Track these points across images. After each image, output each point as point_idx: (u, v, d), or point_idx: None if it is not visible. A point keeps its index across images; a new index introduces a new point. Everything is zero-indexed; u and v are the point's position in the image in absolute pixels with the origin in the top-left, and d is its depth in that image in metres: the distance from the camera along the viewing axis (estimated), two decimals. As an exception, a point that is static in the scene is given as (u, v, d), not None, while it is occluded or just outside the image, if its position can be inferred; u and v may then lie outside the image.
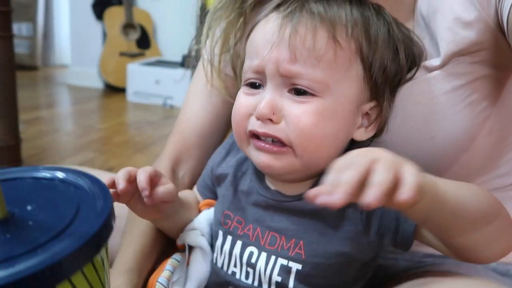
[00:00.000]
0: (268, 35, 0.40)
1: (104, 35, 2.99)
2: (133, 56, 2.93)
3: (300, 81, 0.39)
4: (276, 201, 0.44)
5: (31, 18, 3.60)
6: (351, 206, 0.39)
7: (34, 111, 2.38)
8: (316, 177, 0.43)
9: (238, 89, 0.46)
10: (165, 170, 0.58)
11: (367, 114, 0.43)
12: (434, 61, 0.46)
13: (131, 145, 1.96)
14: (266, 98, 0.40)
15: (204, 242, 0.48)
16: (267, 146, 0.40)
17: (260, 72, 0.41)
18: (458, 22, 0.44)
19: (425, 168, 0.47)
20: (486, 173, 0.52)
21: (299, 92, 0.39)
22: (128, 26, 2.93)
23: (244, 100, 0.42)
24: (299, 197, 0.43)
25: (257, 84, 0.42)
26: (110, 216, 0.27)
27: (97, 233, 0.25)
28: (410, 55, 0.44)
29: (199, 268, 0.47)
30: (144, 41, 2.98)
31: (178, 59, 2.91)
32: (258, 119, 0.40)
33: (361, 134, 0.43)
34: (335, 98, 0.40)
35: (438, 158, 0.47)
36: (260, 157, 0.41)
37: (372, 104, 0.43)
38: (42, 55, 3.73)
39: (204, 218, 0.50)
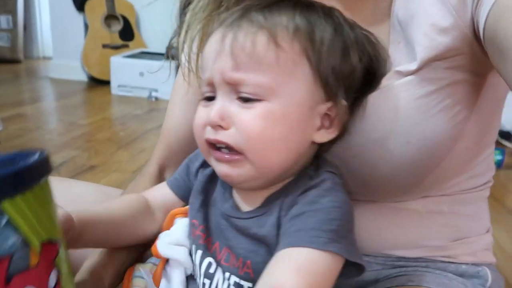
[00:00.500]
0: (213, 47, 0.41)
1: (86, 27, 2.94)
2: (116, 48, 2.89)
3: (244, 88, 0.39)
4: (229, 216, 0.44)
5: (11, 10, 3.52)
6: None
7: (16, 108, 2.34)
8: (279, 182, 0.43)
9: None
10: (152, 175, 0.61)
11: (327, 115, 0.43)
12: (410, 66, 0.46)
13: (115, 141, 1.94)
14: (216, 106, 0.40)
15: (187, 260, 0.47)
16: (223, 155, 0.41)
17: (211, 84, 0.42)
18: (434, 28, 0.44)
19: (405, 173, 0.48)
20: (460, 174, 0.52)
21: (245, 99, 0.40)
22: (110, 17, 2.88)
23: (201, 112, 0.43)
24: (250, 214, 0.43)
25: (211, 96, 0.42)
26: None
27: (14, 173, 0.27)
28: (365, 55, 0.44)
29: (178, 279, 0.47)
30: (128, 33, 2.94)
31: (163, 50, 2.87)
32: (211, 127, 0.41)
33: (322, 136, 0.43)
34: (282, 101, 0.40)
35: (416, 163, 0.47)
36: (219, 167, 0.42)
37: (328, 104, 0.42)
38: (23, 48, 3.67)
39: (182, 229, 0.49)
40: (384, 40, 0.46)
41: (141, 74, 2.72)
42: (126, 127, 2.16)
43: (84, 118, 2.31)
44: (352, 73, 0.43)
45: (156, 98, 2.68)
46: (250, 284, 0.41)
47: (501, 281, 0.57)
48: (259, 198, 0.44)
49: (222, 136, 0.40)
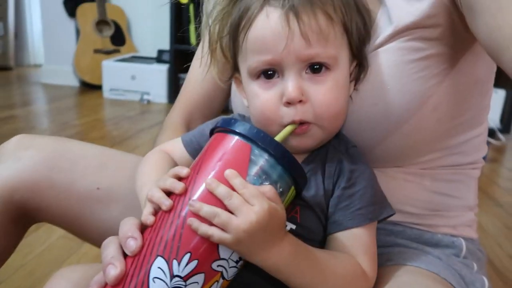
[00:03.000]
0: (277, 31, 0.42)
1: (78, 32, 2.96)
2: (108, 53, 2.92)
3: (318, 59, 0.43)
4: None
5: (2, 17, 3.53)
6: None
7: (8, 110, 2.35)
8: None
9: (228, 73, 0.51)
10: (179, 125, 0.64)
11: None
12: (388, 30, 0.48)
13: (108, 139, 1.96)
14: (293, 82, 0.42)
15: None
16: (299, 130, 0.44)
17: (274, 64, 0.43)
18: None
19: (371, 131, 0.50)
20: (438, 150, 0.53)
21: (315, 69, 0.43)
22: (102, 22, 2.91)
23: (266, 94, 0.44)
24: None
25: (270, 73, 0.44)
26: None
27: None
28: (370, 17, 0.48)
29: None
30: (119, 38, 2.97)
31: (154, 54, 2.91)
32: (289, 103, 0.42)
33: (350, 90, 0.49)
34: (341, 69, 0.45)
35: (382, 124, 0.50)
36: (293, 141, 0.44)
37: (354, 63, 0.48)
38: (14, 55, 3.67)
39: None
40: (374, 7, 0.49)
41: (133, 77, 2.75)
42: (119, 127, 2.18)
43: (77, 119, 2.33)
44: (367, 33, 0.48)
45: (148, 101, 2.71)
46: (293, 226, 0.44)
47: (480, 253, 0.57)
48: (298, 159, 0.46)
49: (304, 114, 0.43)
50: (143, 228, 0.39)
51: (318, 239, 0.45)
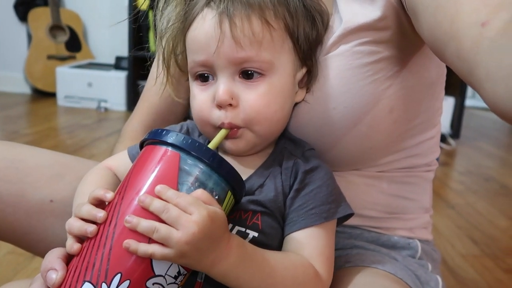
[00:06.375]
0: (210, 33, 0.43)
1: (29, 37, 2.83)
2: (62, 59, 2.81)
3: (250, 64, 0.43)
4: None
5: None
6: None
7: (-50, 119, 2.20)
8: (274, 145, 0.48)
9: (183, 90, 0.50)
10: (138, 133, 0.62)
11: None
12: (338, 32, 0.49)
13: (62, 148, 1.87)
14: (222, 86, 0.43)
15: None
16: (230, 133, 0.44)
17: (208, 66, 0.44)
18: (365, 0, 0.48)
19: (329, 134, 0.51)
20: (395, 152, 0.55)
21: (248, 75, 0.43)
22: (56, 27, 2.80)
23: (201, 95, 0.45)
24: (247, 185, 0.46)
25: (206, 75, 0.45)
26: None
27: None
28: (325, 20, 0.50)
29: None
30: (74, 44, 2.87)
31: (111, 61, 2.83)
32: (219, 106, 0.43)
33: (298, 96, 0.49)
34: (279, 75, 0.44)
35: (337, 126, 0.51)
36: (227, 144, 0.45)
37: (303, 70, 0.48)
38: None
39: None
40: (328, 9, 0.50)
41: (90, 84, 2.66)
42: (74, 135, 2.10)
43: (28, 128, 2.21)
44: (319, 37, 0.48)
45: (106, 109, 2.63)
46: (256, 234, 0.43)
47: (435, 254, 0.59)
48: (256, 160, 0.47)
49: (233, 119, 0.43)
50: (70, 258, 0.37)
51: (277, 245, 0.45)
